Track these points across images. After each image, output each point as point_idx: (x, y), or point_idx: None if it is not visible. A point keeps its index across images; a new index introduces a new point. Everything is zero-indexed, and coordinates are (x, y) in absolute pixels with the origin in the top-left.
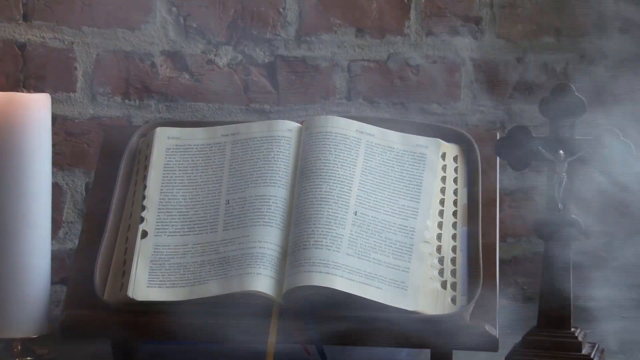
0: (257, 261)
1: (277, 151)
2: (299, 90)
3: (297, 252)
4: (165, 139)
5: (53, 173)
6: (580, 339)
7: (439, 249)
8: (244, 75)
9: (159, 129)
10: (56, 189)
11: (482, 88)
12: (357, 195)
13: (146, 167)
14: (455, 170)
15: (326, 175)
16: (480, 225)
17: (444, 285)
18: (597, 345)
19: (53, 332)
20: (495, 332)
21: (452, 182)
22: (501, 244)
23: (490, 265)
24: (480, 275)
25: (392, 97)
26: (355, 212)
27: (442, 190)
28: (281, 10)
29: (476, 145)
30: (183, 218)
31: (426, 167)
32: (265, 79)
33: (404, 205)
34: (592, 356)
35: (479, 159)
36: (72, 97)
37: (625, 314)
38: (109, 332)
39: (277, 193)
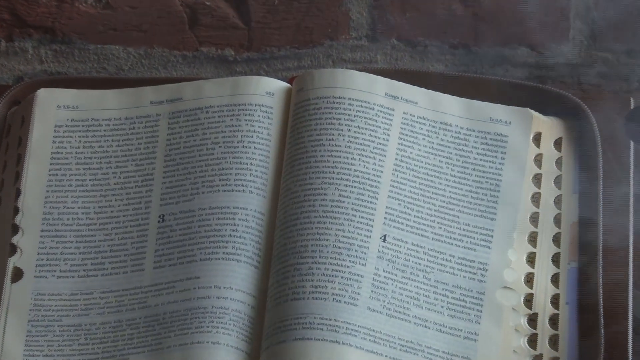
0: (212, 322)
1: (249, 130)
2: (286, 24)
3: (282, 306)
4: (53, 108)
5: None
6: None
7: (529, 300)
8: None
9: (42, 92)
10: None
11: (607, 21)
12: (387, 208)
13: (20, 158)
14: (558, 163)
15: (334, 173)
16: (601, 261)
17: None
18: None
19: None
20: None
21: (553, 184)
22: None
23: (619, 329)
24: (601, 346)
25: (448, 35)
26: (384, 236)
27: (536, 199)
28: None
29: (595, 121)
30: (85, 247)
31: (507, 158)
32: (226, 4)
33: (468, 225)
34: None
35: (599, 143)
36: None
37: None
38: None
39: (247, 203)
